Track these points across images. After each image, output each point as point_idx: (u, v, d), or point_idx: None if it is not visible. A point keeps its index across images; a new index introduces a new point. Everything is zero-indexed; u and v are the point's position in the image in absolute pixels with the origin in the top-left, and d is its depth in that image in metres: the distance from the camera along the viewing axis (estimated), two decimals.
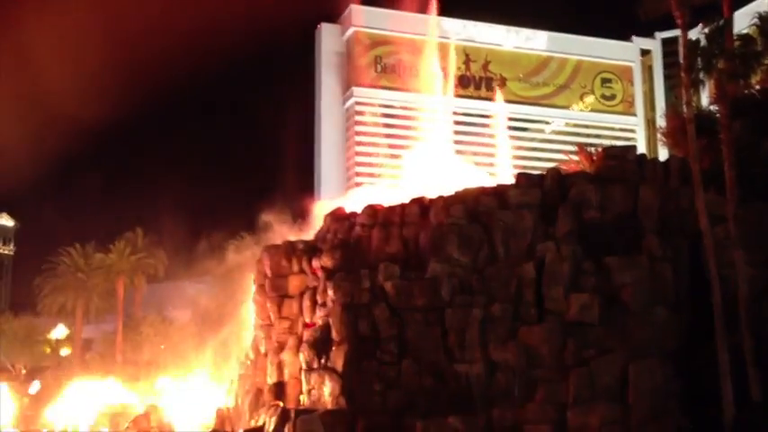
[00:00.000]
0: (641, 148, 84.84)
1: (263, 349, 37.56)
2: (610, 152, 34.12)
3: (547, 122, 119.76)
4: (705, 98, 40.68)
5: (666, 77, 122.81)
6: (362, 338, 31.72)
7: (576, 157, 38.31)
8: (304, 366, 33.25)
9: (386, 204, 35.18)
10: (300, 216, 50.49)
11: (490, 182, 34.22)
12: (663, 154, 53.53)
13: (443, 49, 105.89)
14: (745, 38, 30.08)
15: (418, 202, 33.89)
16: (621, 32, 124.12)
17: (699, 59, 28.84)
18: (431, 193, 34.13)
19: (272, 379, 35.92)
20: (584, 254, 29.78)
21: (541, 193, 31.77)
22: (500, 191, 32.52)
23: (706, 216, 27.40)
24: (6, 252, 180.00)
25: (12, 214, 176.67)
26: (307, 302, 35.50)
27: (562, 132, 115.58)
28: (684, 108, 29.59)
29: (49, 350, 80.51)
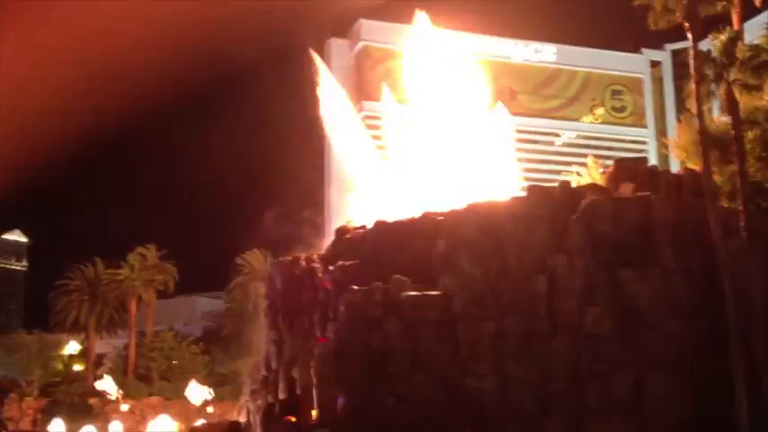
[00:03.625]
0: (652, 160, 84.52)
1: (274, 364, 37.51)
2: (621, 164, 34.03)
3: (557, 135, 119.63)
4: (716, 109, 40.56)
5: (677, 89, 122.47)
6: (374, 352, 31.61)
7: (586, 170, 38.23)
8: (316, 381, 33.17)
9: (397, 218, 35.16)
10: (311, 230, 50.56)
11: (501, 195, 34.11)
12: (674, 166, 53.38)
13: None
14: (755, 48, 29.96)
15: (429, 215, 33.84)
16: (631, 44, 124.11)
17: (710, 71, 28.76)
18: (442, 207, 34.09)
19: (283, 394, 35.86)
20: (596, 267, 29.62)
21: (553, 206, 31.65)
22: (511, 204, 32.45)
23: (719, 228, 27.27)
24: (19, 268, 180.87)
25: (24, 231, 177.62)
26: (318, 317, 35.46)
27: (573, 145, 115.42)
28: (696, 120, 29.50)
29: (61, 366, 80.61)
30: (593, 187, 33.00)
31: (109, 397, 64.14)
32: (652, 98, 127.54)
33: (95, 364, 76.57)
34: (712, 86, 29.15)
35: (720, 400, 26.58)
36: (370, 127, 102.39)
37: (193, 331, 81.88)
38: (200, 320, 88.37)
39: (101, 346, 79.36)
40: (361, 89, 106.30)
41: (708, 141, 28.51)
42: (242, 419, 39.82)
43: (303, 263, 38.08)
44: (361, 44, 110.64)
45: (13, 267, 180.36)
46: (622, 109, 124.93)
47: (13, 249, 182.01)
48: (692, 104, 30.39)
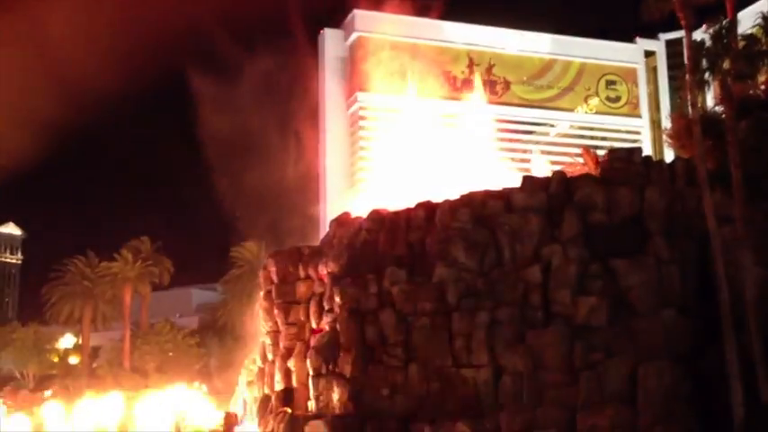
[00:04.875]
0: (647, 150, 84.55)
1: (270, 356, 37.55)
2: (615, 154, 33.99)
3: (552, 125, 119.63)
4: (710, 99, 40.56)
5: (671, 79, 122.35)
6: (369, 343, 31.68)
7: (581, 160, 38.19)
8: (311, 372, 33.21)
9: (391, 209, 35.13)
10: (306, 222, 50.53)
11: (496, 185, 34.11)
12: (668, 155, 53.42)
13: (448, 54, 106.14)
14: (749, 38, 29.98)
15: (424, 206, 33.81)
16: (625, 34, 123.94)
17: (703, 60, 28.76)
18: (436, 197, 34.08)
19: (279, 385, 35.91)
20: (590, 256, 29.70)
21: (547, 196, 31.66)
22: (506, 194, 32.43)
23: (713, 217, 27.30)
24: (14, 261, 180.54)
25: (19, 223, 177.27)
26: (313, 308, 35.50)
27: (567, 135, 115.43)
28: (690, 109, 29.50)
29: (56, 359, 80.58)
30: (587, 177, 32.98)
31: None
32: (646, 88, 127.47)
33: (91, 357, 76.58)
34: (706, 76, 29.12)
35: (715, 389, 26.67)
36: (363, 118, 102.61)
37: (189, 323, 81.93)
38: (195, 312, 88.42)
39: (96, 338, 79.34)
40: (356, 80, 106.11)
41: (701, 131, 28.50)
42: (238, 411, 39.85)
43: (299, 254, 38.08)
44: (355, 35, 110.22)
45: (8, 260, 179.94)
46: (617, 99, 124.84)
47: (7, 242, 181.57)
48: (686, 94, 30.37)
